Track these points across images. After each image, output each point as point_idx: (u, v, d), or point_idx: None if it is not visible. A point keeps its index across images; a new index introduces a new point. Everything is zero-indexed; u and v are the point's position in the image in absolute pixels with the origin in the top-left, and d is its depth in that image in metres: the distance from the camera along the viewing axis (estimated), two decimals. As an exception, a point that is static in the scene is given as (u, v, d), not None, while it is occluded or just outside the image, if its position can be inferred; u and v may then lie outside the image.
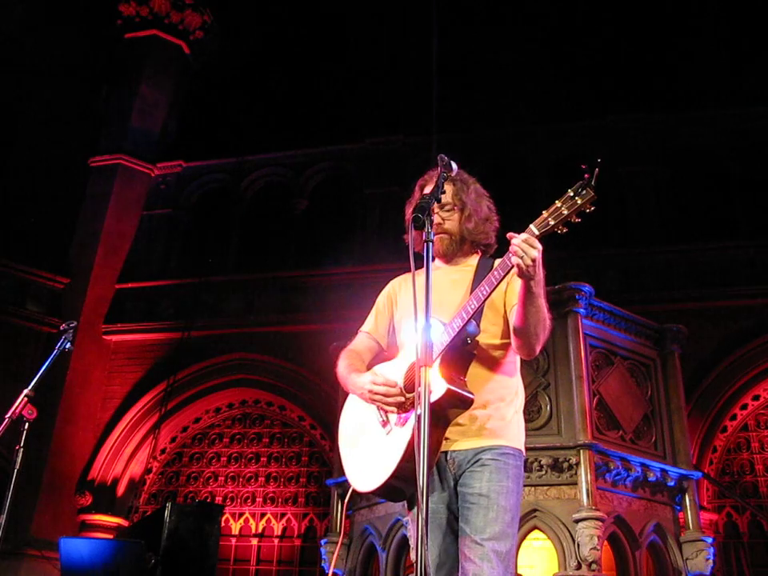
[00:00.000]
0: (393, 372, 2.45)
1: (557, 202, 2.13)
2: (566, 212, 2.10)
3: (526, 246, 2.11)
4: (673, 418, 6.03)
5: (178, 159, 11.24)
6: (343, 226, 10.39)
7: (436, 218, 2.49)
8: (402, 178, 9.91)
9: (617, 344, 6.05)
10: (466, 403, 2.30)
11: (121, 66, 12.03)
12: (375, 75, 11.58)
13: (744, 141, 9.61)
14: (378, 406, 2.42)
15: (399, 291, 2.71)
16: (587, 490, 5.21)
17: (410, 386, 2.36)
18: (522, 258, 2.11)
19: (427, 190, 2.51)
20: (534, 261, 2.11)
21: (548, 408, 5.56)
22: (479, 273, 2.49)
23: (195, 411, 9.91)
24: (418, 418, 1.93)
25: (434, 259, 2.59)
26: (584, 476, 5.24)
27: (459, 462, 2.37)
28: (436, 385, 2.21)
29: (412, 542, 2.48)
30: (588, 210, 2.10)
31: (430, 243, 2.10)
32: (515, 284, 2.41)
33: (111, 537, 8.83)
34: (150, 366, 9.83)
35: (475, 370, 2.39)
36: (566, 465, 5.35)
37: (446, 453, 2.39)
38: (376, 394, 2.37)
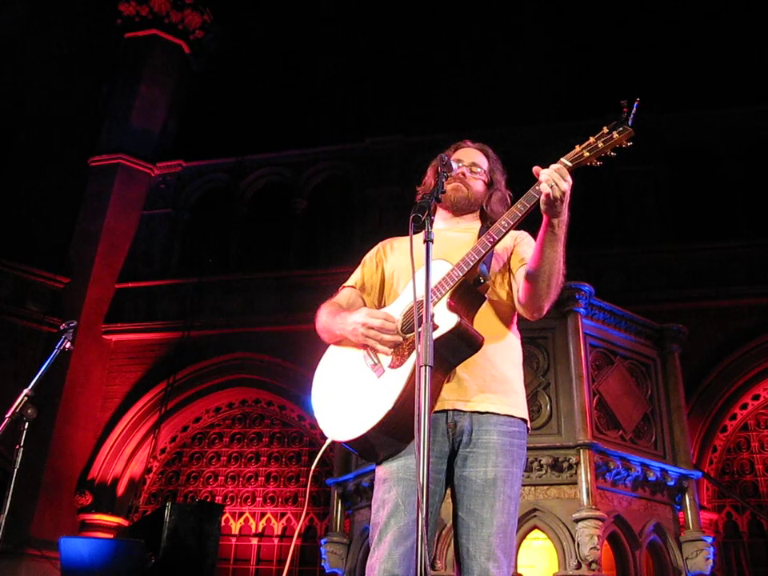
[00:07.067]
0: (390, 312, 2.22)
1: (591, 138, 2.06)
2: (601, 145, 2.04)
3: (557, 175, 2.01)
4: (673, 418, 6.04)
5: (178, 159, 11.22)
6: (343, 225, 10.38)
7: (462, 170, 2.45)
8: (402, 178, 9.91)
9: (617, 344, 6.05)
10: (474, 344, 2.06)
11: (121, 65, 12.03)
12: (375, 75, 11.57)
13: (744, 141, 9.60)
14: (369, 347, 2.16)
15: (391, 246, 2.54)
16: (587, 489, 5.21)
17: (408, 327, 2.13)
18: (551, 187, 1.99)
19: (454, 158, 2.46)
20: (563, 193, 2.01)
21: (548, 407, 5.56)
22: (484, 229, 2.29)
23: (195, 411, 9.91)
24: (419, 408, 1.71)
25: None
26: (584, 475, 5.24)
27: (461, 426, 2.14)
28: (443, 319, 2.00)
29: (375, 504, 2.15)
30: (624, 146, 2.04)
31: (430, 243, 1.92)
32: (521, 247, 2.34)
33: (111, 536, 8.84)
34: (150, 366, 9.82)
35: (483, 326, 2.15)
36: (565, 464, 5.35)
37: (445, 412, 2.14)
38: (371, 328, 2.11)
